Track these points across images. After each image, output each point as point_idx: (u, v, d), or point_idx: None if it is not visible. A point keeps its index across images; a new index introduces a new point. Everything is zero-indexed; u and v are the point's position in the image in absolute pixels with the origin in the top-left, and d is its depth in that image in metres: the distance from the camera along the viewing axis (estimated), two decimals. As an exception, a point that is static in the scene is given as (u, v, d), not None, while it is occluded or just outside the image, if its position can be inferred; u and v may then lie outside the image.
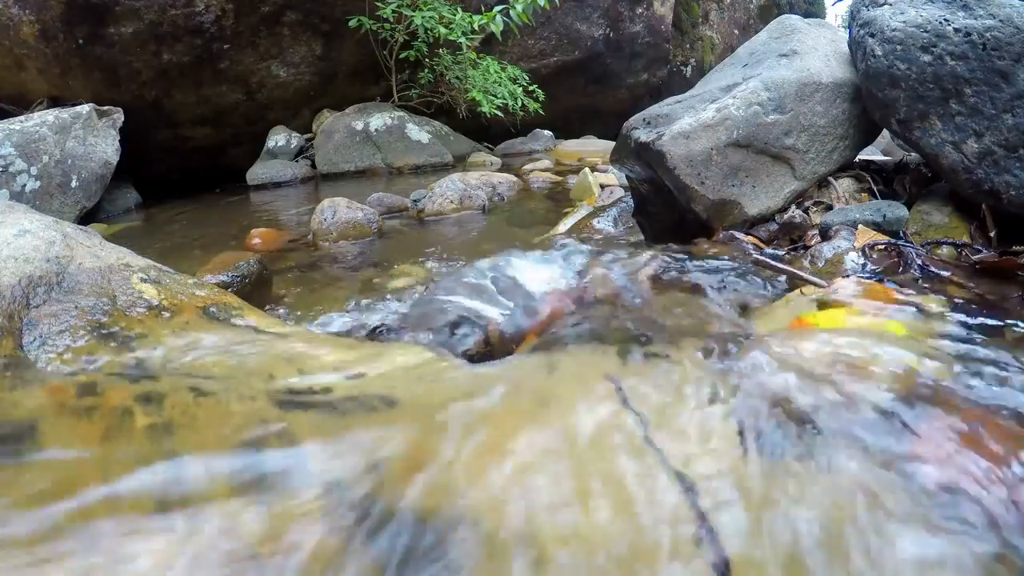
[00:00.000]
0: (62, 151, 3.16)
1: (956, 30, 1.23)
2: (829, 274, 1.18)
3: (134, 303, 0.92)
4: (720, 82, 1.57)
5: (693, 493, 0.55)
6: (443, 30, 4.25)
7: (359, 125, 4.42)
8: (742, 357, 0.75)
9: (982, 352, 0.80)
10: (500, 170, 3.53)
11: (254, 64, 4.36)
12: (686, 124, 1.41)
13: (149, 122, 4.23)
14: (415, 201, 2.62)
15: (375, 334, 1.11)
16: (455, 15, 4.31)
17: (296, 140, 4.59)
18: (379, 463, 0.58)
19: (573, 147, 4.79)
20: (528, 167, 3.65)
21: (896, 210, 1.34)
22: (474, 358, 0.97)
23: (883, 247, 1.24)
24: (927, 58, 1.26)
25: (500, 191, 2.87)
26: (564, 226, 2.10)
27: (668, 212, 1.53)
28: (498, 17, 4.25)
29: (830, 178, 1.54)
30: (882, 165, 1.69)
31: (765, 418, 0.65)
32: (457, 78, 4.78)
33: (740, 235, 1.41)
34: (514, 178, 3.08)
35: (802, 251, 1.34)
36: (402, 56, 4.57)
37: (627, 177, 1.68)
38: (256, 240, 2.26)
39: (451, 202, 2.54)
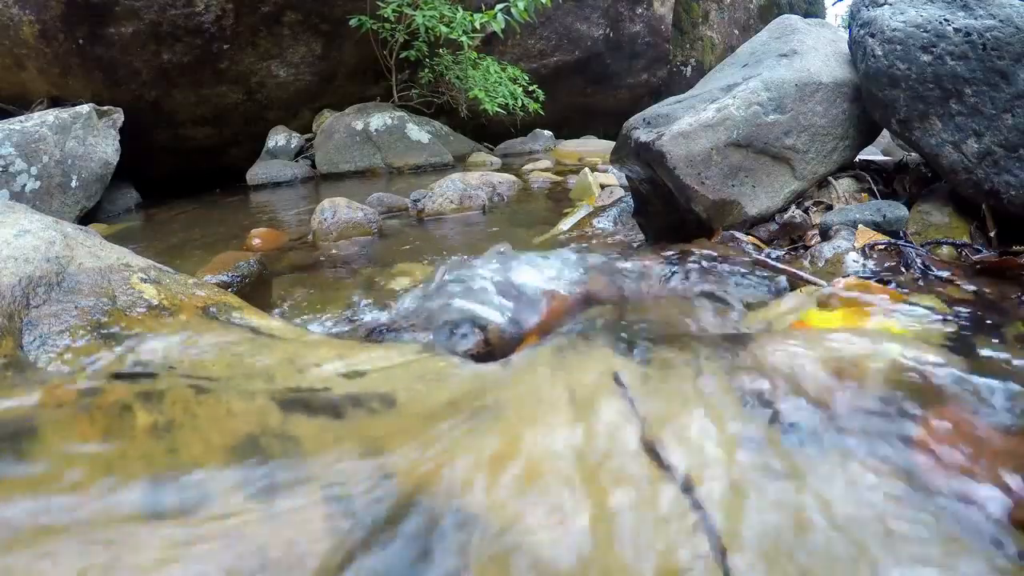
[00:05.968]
0: (62, 151, 3.16)
1: (956, 30, 1.23)
2: (829, 274, 1.18)
3: (134, 303, 0.92)
4: (720, 82, 1.57)
5: (694, 493, 0.55)
6: (444, 29, 4.26)
7: (359, 125, 4.42)
8: (742, 357, 0.75)
9: (982, 353, 0.80)
10: (500, 170, 3.53)
11: (254, 64, 4.36)
12: (686, 124, 1.41)
13: (149, 122, 4.23)
14: (415, 201, 2.62)
15: (375, 334, 1.11)
16: (456, 14, 4.31)
17: (296, 140, 4.59)
18: (379, 463, 0.58)
19: (573, 147, 4.79)
20: (528, 167, 3.65)
21: (896, 210, 1.34)
22: (475, 358, 0.97)
23: (883, 247, 1.24)
24: (927, 58, 1.26)
25: (500, 191, 2.87)
26: (564, 226, 2.10)
27: (668, 212, 1.53)
28: (499, 15, 4.25)
29: (830, 178, 1.54)
30: (882, 165, 1.69)
31: (765, 418, 0.65)
32: (457, 78, 4.79)
33: (740, 235, 1.41)
34: (514, 178, 3.08)
35: (802, 251, 1.34)
36: (402, 56, 4.57)
37: (627, 177, 1.68)
38: (256, 240, 2.26)
39: (451, 202, 2.54)
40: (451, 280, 1.23)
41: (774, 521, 0.53)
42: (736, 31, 7.62)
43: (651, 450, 0.60)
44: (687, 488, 0.55)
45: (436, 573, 0.49)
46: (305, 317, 1.38)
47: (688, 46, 7.25)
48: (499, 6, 4.28)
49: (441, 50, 4.69)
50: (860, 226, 1.32)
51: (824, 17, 9.34)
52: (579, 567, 0.49)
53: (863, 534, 0.52)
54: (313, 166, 4.38)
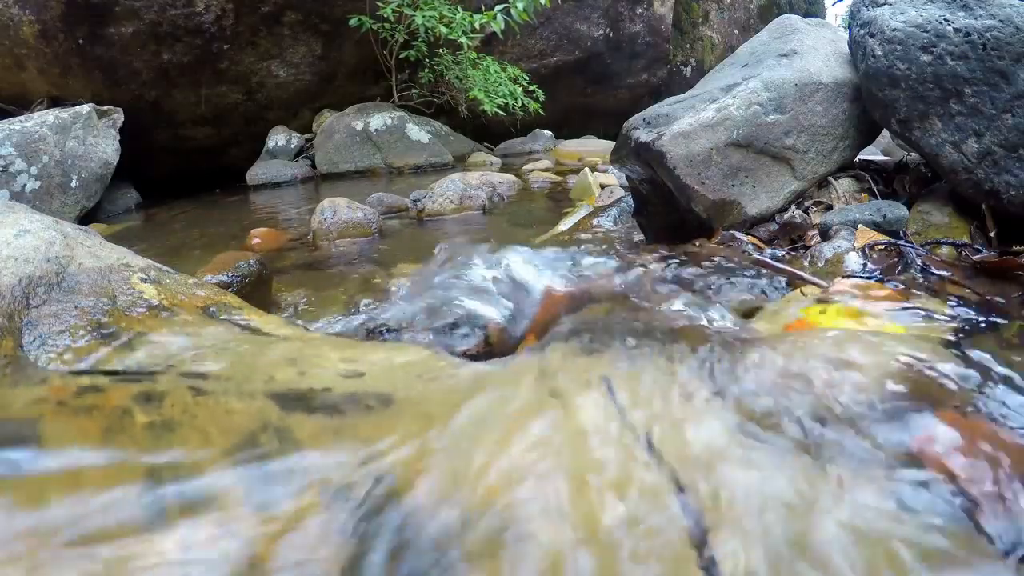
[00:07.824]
0: (62, 151, 3.16)
1: (956, 30, 1.23)
2: (829, 274, 1.18)
3: (134, 303, 0.92)
4: (720, 82, 1.57)
5: (686, 496, 0.55)
6: (444, 29, 4.26)
7: (359, 125, 4.42)
8: (741, 357, 0.75)
9: (981, 352, 0.80)
10: (500, 170, 3.53)
11: (254, 64, 4.36)
12: (686, 124, 1.41)
13: (149, 122, 4.23)
14: (415, 201, 2.62)
15: (375, 334, 1.11)
16: (455, 14, 4.31)
17: (296, 140, 4.59)
18: (378, 463, 0.58)
19: (573, 147, 4.79)
20: (528, 167, 3.65)
21: (896, 210, 1.34)
22: (474, 358, 0.97)
23: (883, 247, 1.24)
24: (927, 58, 1.26)
25: (500, 191, 2.87)
26: (564, 226, 2.10)
27: (668, 212, 1.53)
28: (499, 16, 4.25)
29: (830, 178, 1.54)
30: (882, 165, 1.69)
31: (764, 417, 0.65)
32: (457, 78, 4.79)
33: (740, 235, 1.41)
34: (514, 178, 3.08)
35: (802, 251, 1.34)
36: (402, 56, 4.57)
37: (627, 177, 1.68)
38: (256, 240, 2.26)
39: (451, 202, 2.54)
40: (451, 280, 1.23)
41: (773, 529, 0.53)
42: (736, 31, 7.62)
43: (646, 452, 0.60)
44: (679, 490, 0.55)
45: (435, 569, 0.49)
46: (305, 317, 1.38)
47: (688, 46, 7.25)
48: (499, 7, 4.28)
49: (441, 50, 4.69)
50: (860, 226, 1.32)
51: (824, 17, 9.34)
52: (570, 559, 0.49)
53: (865, 541, 0.52)
54: (313, 166, 4.38)
